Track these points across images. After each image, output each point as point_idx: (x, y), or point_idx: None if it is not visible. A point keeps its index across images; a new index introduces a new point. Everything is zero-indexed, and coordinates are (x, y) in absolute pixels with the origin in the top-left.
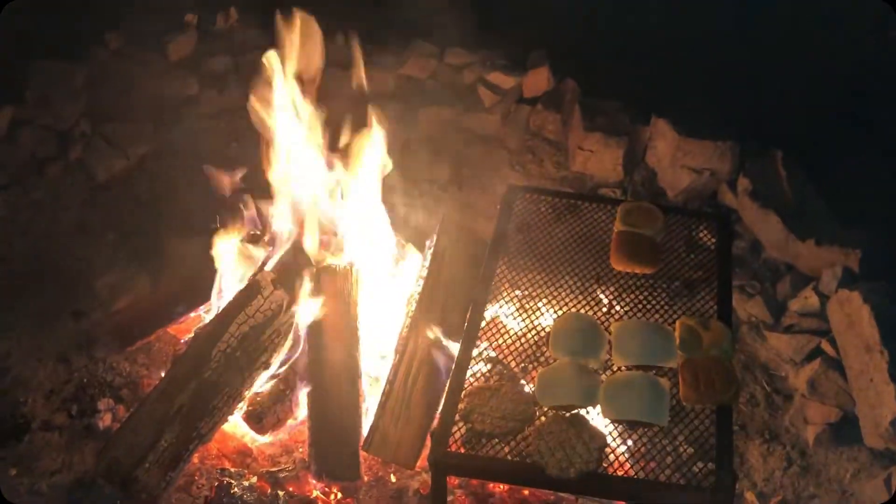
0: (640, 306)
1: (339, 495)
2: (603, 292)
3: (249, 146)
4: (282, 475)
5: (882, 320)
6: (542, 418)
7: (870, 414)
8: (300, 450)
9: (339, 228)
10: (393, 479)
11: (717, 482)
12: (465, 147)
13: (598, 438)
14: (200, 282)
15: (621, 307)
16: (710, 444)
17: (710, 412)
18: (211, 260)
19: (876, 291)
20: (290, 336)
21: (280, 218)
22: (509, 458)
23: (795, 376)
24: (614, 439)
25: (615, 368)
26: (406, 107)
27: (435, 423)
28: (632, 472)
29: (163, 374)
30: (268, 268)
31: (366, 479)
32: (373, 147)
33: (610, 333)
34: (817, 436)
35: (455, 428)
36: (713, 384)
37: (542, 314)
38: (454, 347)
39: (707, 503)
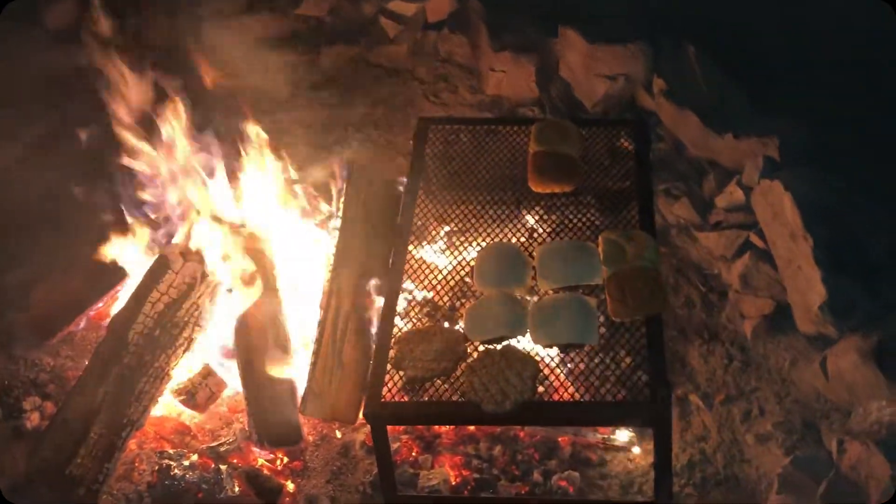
0: (564, 226)
1: (286, 460)
2: (525, 217)
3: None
4: (223, 449)
5: (804, 206)
6: (475, 355)
7: (800, 301)
8: (240, 420)
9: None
10: (338, 434)
11: (652, 395)
12: (376, 84)
13: (530, 367)
14: (114, 264)
15: (544, 230)
16: (644, 355)
17: (641, 324)
18: (117, 238)
19: (797, 178)
20: (210, 308)
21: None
22: (444, 399)
23: (728, 272)
24: (547, 365)
25: (542, 293)
26: (307, 47)
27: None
28: (568, 396)
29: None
30: (175, 240)
31: (310, 439)
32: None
33: (533, 258)
34: (754, 329)
35: (388, 377)
36: (640, 295)
37: (466, 247)
38: (379, 295)
39: (644, 418)
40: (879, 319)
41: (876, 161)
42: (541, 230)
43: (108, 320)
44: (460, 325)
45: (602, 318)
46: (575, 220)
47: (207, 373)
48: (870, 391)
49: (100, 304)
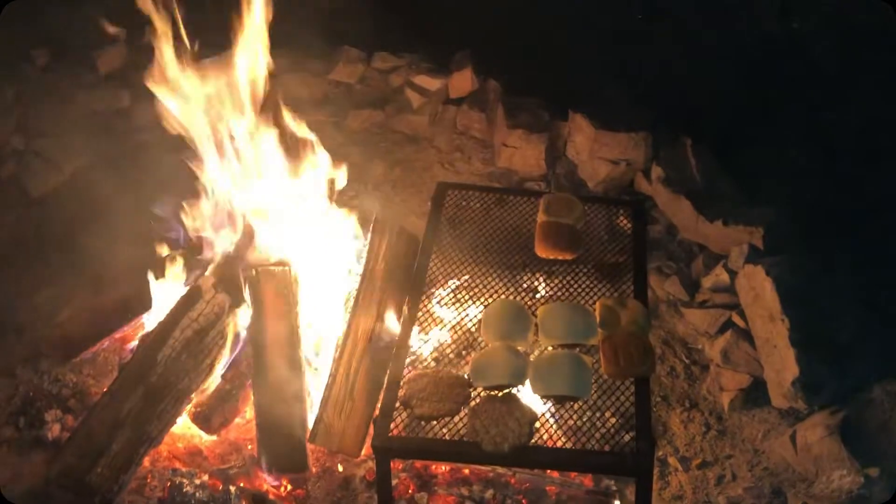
0: (563, 290)
1: (290, 487)
2: (529, 279)
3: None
4: (232, 472)
5: (783, 291)
6: (477, 399)
7: (775, 377)
8: (249, 447)
9: (279, 232)
10: (340, 468)
11: (637, 448)
12: (396, 148)
13: (528, 414)
14: (141, 290)
15: (546, 292)
16: (632, 413)
17: (630, 384)
18: (149, 269)
19: (777, 265)
20: (233, 337)
21: (217, 223)
22: (447, 438)
23: (710, 348)
24: (544, 414)
25: (542, 348)
26: (337, 110)
27: (377, 411)
28: (560, 444)
29: (109, 383)
30: (208, 273)
31: (314, 470)
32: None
33: (536, 316)
34: (731, 401)
35: (396, 414)
36: (631, 358)
37: (474, 303)
38: (392, 339)
39: (628, 468)
40: (845, 398)
41: (852, 245)
42: (543, 292)
43: (138, 341)
44: (465, 372)
45: (595, 376)
46: (575, 286)
47: (223, 399)
48: (833, 462)
49: (125, 328)
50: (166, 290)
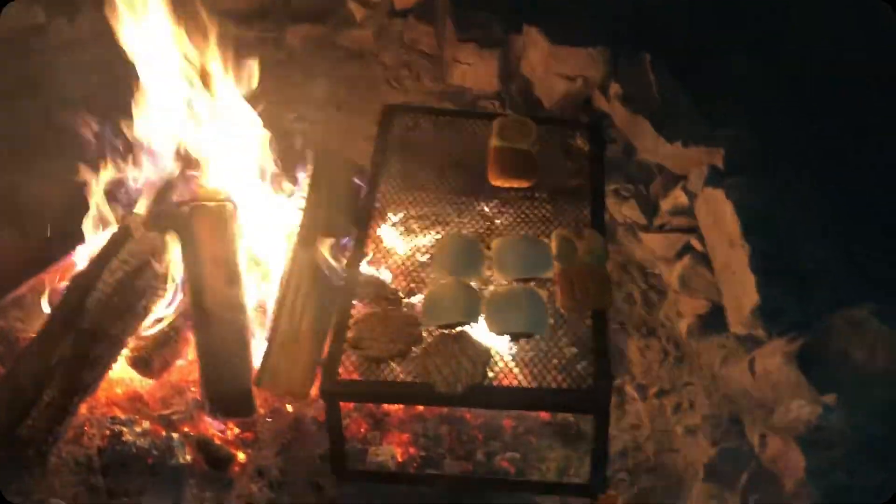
0: (519, 220)
1: (237, 430)
2: (483, 208)
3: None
4: (175, 417)
5: (743, 215)
6: (429, 339)
7: (734, 304)
8: (192, 389)
9: (212, 163)
10: (289, 408)
11: (594, 383)
12: (340, 65)
13: (482, 353)
14: (69, 225)
15: (501, 222)
16: (589, 348)
17: (587, 317)
18: (77, 203)
19: (738, 187)
20: (170, 278)
21: (146, 157)
22: (399, 380)
23: (668, 273)
24: (499, 352)
25: (496, 284)
26: (274, 25)
27: (325, 352)
28: (516, 382)
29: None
30: (137, 209)
31: (262, 411)
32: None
33: (490, 250)
34: (689, 327)
35: (345, 356)
36: (588, 291)
37: (425, 234)
38: (338, 277)
39: (586, 406)
40: (805, 325)
41: (815, 171)
42: (497, 222)
43: (65, 285)
44: (416, 310)
45: (551, 311)
46: (530, 215)
47: (163, 342)
48: (792, 391)
49: (54, 267)
50: (96, 225)
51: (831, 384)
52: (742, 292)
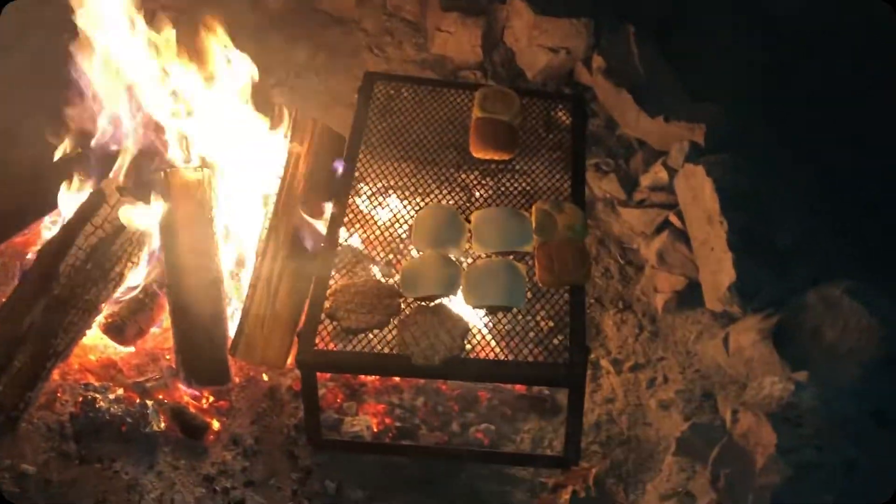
0: (499, 192)
1: (212, 399)
2: (463, 180)
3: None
4: (149, 384)
5: (722, 192)
6: (407, 310)
7: (711, 280)
8: (167, 357)
9: (190, 129)
10: (265, 377)
11: (570, 357)
12: (320, 31)
13: (460, 325)
14: (43, 189)
15: (481, 194)
16: (566, 322)
17: (565, 291)
18: (50, 168)
19: (718, 164)
20: (145, 244)
21: (120, 123)
22: (376, 351)
23: (646, 248)
24: (476, 325)
25: (475, 256)
26: None
27: (302, 322)
28: (493, 355)
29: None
30: (112, 174)
31: (237, 380)
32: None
33: (470, 222)
34: (665, 303)
35: (322, 326)
36: (567, 265)
37: (405, 205)
38: (316, 246)
39: (561, 380)
40: (780, 303)
41: (796, 148)
42: (477, 194)
43: (37, 249)
44: (395, 281)
45: (529, 284)
46: (511, 188)
47: (137, 309)
48: (765, 367)
49: (25, 232)
50: (69, 190)
51: (803, 362)
52: (719, 269)
